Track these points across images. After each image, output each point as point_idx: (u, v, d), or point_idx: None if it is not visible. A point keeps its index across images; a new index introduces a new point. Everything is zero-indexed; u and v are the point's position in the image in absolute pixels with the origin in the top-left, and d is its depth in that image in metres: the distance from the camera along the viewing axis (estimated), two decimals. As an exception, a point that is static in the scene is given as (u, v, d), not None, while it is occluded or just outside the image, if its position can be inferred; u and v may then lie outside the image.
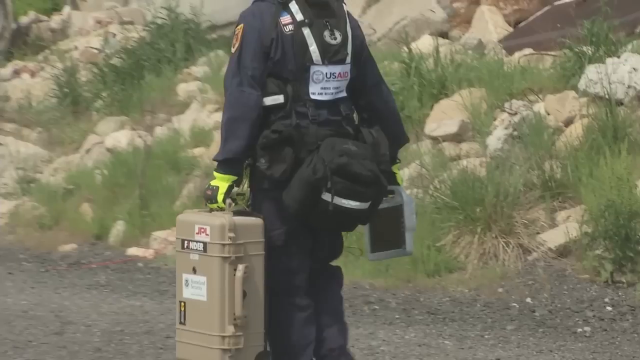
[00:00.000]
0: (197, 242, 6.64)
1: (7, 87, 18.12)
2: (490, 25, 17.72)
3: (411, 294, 10.23)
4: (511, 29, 17.51)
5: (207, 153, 13.02)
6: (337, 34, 6.76)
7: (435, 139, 12.14)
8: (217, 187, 6.67)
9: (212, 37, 17.60)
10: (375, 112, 6.98)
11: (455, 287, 10.31)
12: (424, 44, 14.44)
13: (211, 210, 6.67)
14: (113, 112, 15.53)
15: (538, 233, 10.63)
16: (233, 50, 6.79)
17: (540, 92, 12.30)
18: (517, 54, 14.16)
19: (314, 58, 6.70)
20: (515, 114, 11.89)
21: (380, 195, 6.79)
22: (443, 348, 8.71)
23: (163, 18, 17.62)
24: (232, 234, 6.50)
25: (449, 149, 11.97)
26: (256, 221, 6.65)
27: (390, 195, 7.06)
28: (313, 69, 6.70)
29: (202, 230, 6.61)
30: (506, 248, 10.48)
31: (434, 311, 9.76)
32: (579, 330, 9.23)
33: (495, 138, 11.68)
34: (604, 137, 11.00)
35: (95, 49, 18.24)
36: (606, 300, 9.76)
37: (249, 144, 6.61)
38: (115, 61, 16.59)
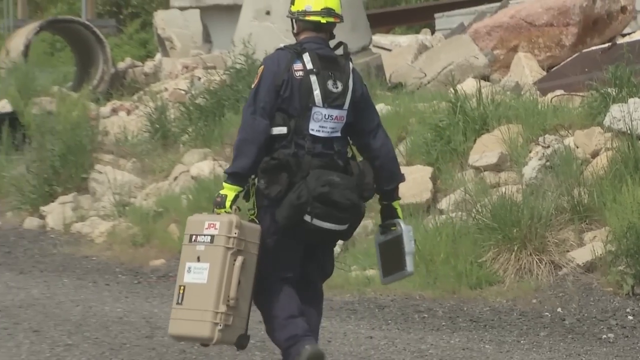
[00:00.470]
0: (205, 235, 7.07)
1: (106, 123, 18.26)
2: (526, 70, 17.69)
3: (456, 304, 10.21)
4: (544, 73, 17.48)
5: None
6: (339, 84, 7.19)
7: (477, 169, 12.13)
8: (226, 196, 7.10)
9: (284, 79, 17.64)
10: (371, 152, 7.32)
11: (495, 298, 10.28)
12: (468, 85, 14.44)
13: (219, 214, 7.11)
14: (197, 145, 15.60)
15: (568, 251, 10.59)
16: (253, 86, 7.25)
17: (569, 128, 12.28)
18: (549, 95, 14.13)
19: (316, 101, 7.13)
20: (548, 147, 11.87)
21: (356, 218, 7.26)
22: (484, 352, 8.69)
23: (241, 63, 17.70)
24: (237, 230, 6.97)
25: (490, 177, 11.96)
26: (256, 227, 7.14)
27: (393, 228, 7.51)
28: (314, 109, 7.13)
29: (212, 225, 7.06)
30: (539, 264, 10.45)
31: (475, 319, 9.74)
32: (604, 336, 9.19)
33: (530, 168, 11.67)
34: (626, 167, 10.97)
35: (183, 90, 18.35)
36: (628, 310, 9.72)
37: (255, 162, 7.05)
38: (199, 101, 16.68)
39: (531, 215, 10.54)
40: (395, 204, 7.53)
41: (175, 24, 26.91)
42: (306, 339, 7.15)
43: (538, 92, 15.12)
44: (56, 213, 14.74)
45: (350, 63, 7.33)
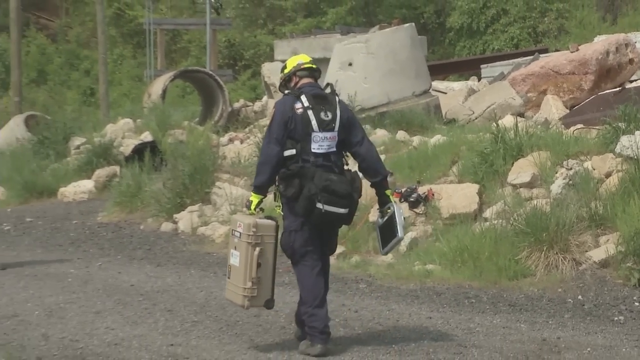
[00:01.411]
0: (237, 231, 7.88)
1: (224, 149, 18.40)
2: (553, 108, 17.59)
3: (497, 292, 10.11)
4: (568, 111, 17.38)
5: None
6: (329, 114, 7.85)
7: (514, 186, 12.04)
8: (251, 202, 7.90)
9: (362, 116, 17.66)
10: (359, 157, 8.00)
11: (528, 287, 10.16)
12: (507, 121, 14.40)
13: (251, 214, 7.89)
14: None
15: (586, 251, 10.45)
16: (269, 122, 7.98)
17: (588, 154, 12.16)
18: (572, 128, 14.07)
19: (314, 128, 7.80)
20: (571, 169, 11.78)
21: (352, 204, 7.85)
22: (520, 330, 8.60)
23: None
24: (254, 229, 7.75)
25: (524, 192, 11.86)
26: (272, 223, 7.87)
27: (388, 210, 8.06)
28: (313, 134, 7.80)
29: (240, 225, 7.87)
30: (564, 261, 10.33)
31: (513, 304, 9.63)
32: (615, 319, 9.04)
33: (557, 185, 11.58)
34: (633, 185, 10.85)
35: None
36: (635, 298, 9.57)
37: (270, 177, 7.82)
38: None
39: (557, 222, 10.42)
40: (387, 192, 8.12)
41: (278, 73, 27.10)
42: (321, 337, 7.79)
43: (562, 126, 15.04)
44: (186, 219, 14.82)
45: (337, 97, 8.04)
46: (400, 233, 7.94)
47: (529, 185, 11.93)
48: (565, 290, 9.98)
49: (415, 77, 18.99)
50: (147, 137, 20.14)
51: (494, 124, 13.41)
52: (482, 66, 27.22)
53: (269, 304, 7.94)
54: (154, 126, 20.91)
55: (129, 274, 11.71)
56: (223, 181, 15.59)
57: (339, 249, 12.06)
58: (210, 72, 25.81)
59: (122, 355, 7.74)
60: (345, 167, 8.01)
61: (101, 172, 18.58)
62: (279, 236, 7.92)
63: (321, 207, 7.64)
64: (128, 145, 19.56)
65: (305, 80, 8.06)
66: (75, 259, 13.13)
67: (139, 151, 18.56)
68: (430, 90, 19.87)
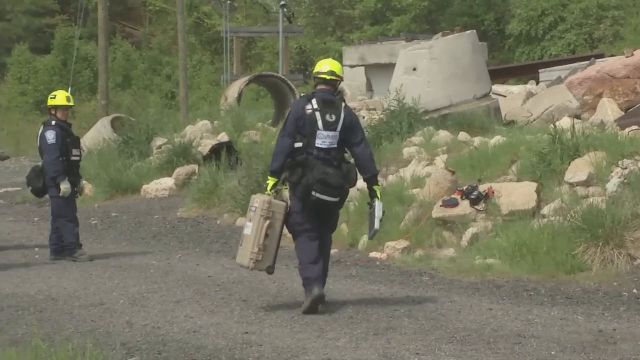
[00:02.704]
0: (253, 206, 8.89)
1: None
2: (608, 111, 17.35)
3: (555, 285, 9.99)
4: (622, 113, 17.10)
5: (422, 192, 12.96)
6: (333, 116, 8.85)
7: (571, 184, 11.88)
8: (268, 184, 8.91)
9: (425, 118, 17.57)
10: (355, 155, 9.01)
11: (584, 281, 10.03)
12: (564, 122, 14.21)
13: (267, 194, 8.88)
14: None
15: (641, 246, 10.32)
16: (285, 118, 9.04)
17: (642, 154, 12.00)
18: (626, 129, 13.80)
19: (319, 126, 8.81)
20: (626, 168, 11.58)
21: (343, 194, 8.86)
22: (576, 321, 8.47)
23: (394, 106, 17.69)
24: (267, 205, 8.77)
25: (580, 190, 11.70)
26: (282, 203, 8.90)
27: (374, 204, 9.01)
28: (318, 132, 8.81)
29: (256, 201, 8.89)
30: (619, 256, 10.18)
31: (570, 297, 9.50)
32: (669, 311, 8.90)
33: (612, 184, 11.40)
34: (686, 184, 10.67)
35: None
36: (687, 292, 9.42)
37: (282, 164, 8.82)
38: (363, 133, 16.68)
39: (612, 219, 10.27)
40: (375, 187, 9.06)
41: (346, 77, 27.00)
42: (316, 282, 8.78)
43: (618, 127, 14.80)
44: (259, 214, 14.85)
45: (344, 102, 9.02)
46: (376, 225, 9.03)
47: (585, 183, 11.76)
48: (620, 284, 9.83)
49: (476, 81, 18.84)
50: (223, 137, 20.24)
51: (552, 125, 13.26)
52: (540, 70, 26.95)
53: (270, 270, 8.96)
54: (230, 127, 21.01)
55: (207, 266, 11.77)
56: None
57: (403, 243, 12.04)
58: (283, 77, 25.89)
59: (200, 342, 7.77)
60: (345, 161, 9.00)
61: (181, 171, 18.72)
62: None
63: (315, 195, 8.65)
64: (206, 145, 19.68)
65: (320, 86, 9.06)
66: (157, 251, 13.24)
67: (216, 151, 18.68)
68: (491, 94, 19.70)
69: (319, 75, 9.05)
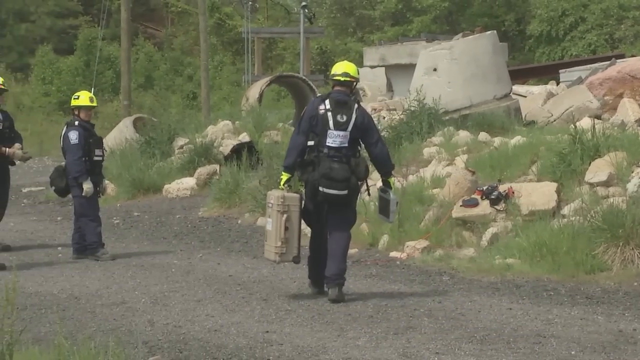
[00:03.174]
0: (270, 203, 9.35)
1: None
2: (629, 111, 17.25)
3: (575, 285, 9.95)
4: (644, 113, 16.99)
5: (442, 192, 12.94)
6: (345, 117, 9.18)
7: (591, 184, 11.83)
8: (281, 179, 9.37)
9: (445, 118, 17.53)
10: (372, 155, 9.43)
11: (605, 281, 9.99)
12: (585, 123, 14.18)
13: (280, 189, 9.35)
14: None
15: (661, 247, 10.25)
16: (300, 117, 9.44)
17: (663, 154, 11.93)
18: (647, 129, 13.74)
19: (330, 126, 9.18)
20: (646, 168, 11.55)
21: (350, 187, 9.15)
22: (597, 321, 8.44)
23: (414, 107, 17.66)
24: (282, 200, 9.18)
25: (601, 191, 11.65)
26: (296, 195, 9.31)
27: (385, 194, 9.54)
28: (329, 131, 9.17)
29: (272, 197, 9.34)
30: (639, 256, 10.15)
31: (590, 297, 9.46)
32: (689, 312, 8.85)
33: (632, 184, 11.35)
34: None
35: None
36: None
37: (295, 160, 9.28)
38: (383, 133, 16.63)
39: (633, 219, 10.22)
40: (390, 179, 9.54)
41: (367, 78, 27.04)
42: (314, 284, 9.54)
43: (638, 128, 14.72)
44: (280, 214, 14.87)
45: (357, 104, 9.32)
46: (391, 218, 9.80)
47: (606, 183, 11.71)
48: (640, 284, 9.79)
49: (497, 81, 18.78)
50: (244, 137, 20.26)
51: (572, 125, 13.22)
52: (560, 71, 26.84)
53: (296, 259, 9.39)
54: (251, 127, 21.03)
55: (228, 265, 11.79)
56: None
57: (424, 243, 12.02)
58: (304, 77, 25.90)
59: (221, 341, 7.78)
60: (356, 156, 9.31)
61: (202, 170, 18.75)
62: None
63: (322, 190, 9.06)
64: (227, 146, 19.70)
65: (336, 87, 9.40)
66: (178, 250, 13.27)
67: (237, 151, 18.71)
68: (511, 94, 19.63)
69: (334, 78, 9.39)
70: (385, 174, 9.49)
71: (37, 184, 22.96)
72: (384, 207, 9.65)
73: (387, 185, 9.52)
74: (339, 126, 9.14)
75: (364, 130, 9.23)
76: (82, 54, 47.23)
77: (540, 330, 8.04)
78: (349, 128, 9.16)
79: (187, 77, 48.21)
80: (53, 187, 13.05)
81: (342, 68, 9.44)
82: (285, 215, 9.18)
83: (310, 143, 9.21)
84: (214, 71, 45.08)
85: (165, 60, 50.88)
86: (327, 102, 9.26)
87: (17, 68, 48.81)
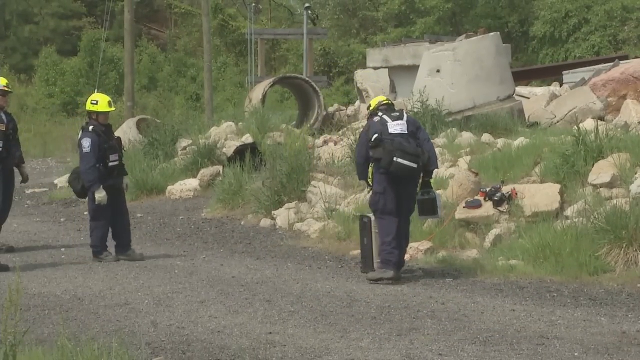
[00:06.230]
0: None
1: (319, 151, 18.37)
2: (633, 112, 17.23)
3: (578, 287, 9.95)
4: (647, 114, 16.98)
5: (445, 194, 12.92)
6: (397, 113, 10.72)
7: (595, 186, 11.83)
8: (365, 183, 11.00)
9: (449, 119, 17.54)
10: (426, 150, 10.51)
11: (608, 282, 9.99)
12: (588, 124, 14.16)
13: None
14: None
15: (665, 249, 10.25)
16: (361, 133, 11.02)
17: (667, 156, 11.92)
18: (651, 131, 13.74)
19: (388, 121, 10.55)
20: (650, 170, 11.55)
21: (421, 161, 10.33)
22: (600, 323, 8.44)
23: (418, 108, 17.65)
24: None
25: (604, 192, 11.66)
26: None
27: (427, 193, 10.71)
28: (389, 124, 10.51)
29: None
30: (643, 258, 10.18)
31: (593, 298, 9.46)
32: (693, 313, 8.84)
33: (636, 185, 11.35)
34: None
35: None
36: None
37: (364, 170, 10.79)
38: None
39: (637, 220, 10.23)
40: (431, 180, 10.79)
41: (370, 79, 27.02)
42: (395, 266, 10.35)
43: (642, 129, 14.72)
44: (283, 216, 14.89)
45: (405, 114, 10.77)
46: (440, 213, 11.02)
47: (609, 185, 11.71)
48: (644, 285, 9.78)
49: (500, 83, 18.78)
50: (248, 139, 20.25)
51: (576, 127, 13.21)
52: (563, 72, 26.83)
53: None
54: (255, 129, 21.01)
55: (231, 267, 11.79)
56: (318, 180, 15.60)
57: (427, 244, 12.01)
58: (307, 79, 25.87)
59: (224, 342, 7.79)
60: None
61: (206, 172, 18.75)
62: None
63: (396, 160, 10.14)
64: (230, 147, 19.70)
65: (382, 107, 10.82)
66: (182, 252, 13.28)
67: (240, 152, 18.68)
68: (514, 96, 19.63)
69: (381, 105, 10.83)
70: (430, 171, 10.70)
71: (41, 185, 22.97)
72: (429, 207, 10.75)
73: (426, 184, 10.70)
74: (395, 118, 10.66)
75: (415, 126, 10.75)
76: (86, 56, 47.19)
77: (544, 332, 8.04)
78: (404, 119, 10.71)
79: (191, 78, 48.17)
80: (72, 189, 13.06)
81: (382, 99, 11.07)
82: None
83: (374, 136, 10.55)
84: (217, 72, 45.04)
85: (168, 62, 50.84)
86: (379, 114, 10.73)
87: (21, 69, 48.80)
